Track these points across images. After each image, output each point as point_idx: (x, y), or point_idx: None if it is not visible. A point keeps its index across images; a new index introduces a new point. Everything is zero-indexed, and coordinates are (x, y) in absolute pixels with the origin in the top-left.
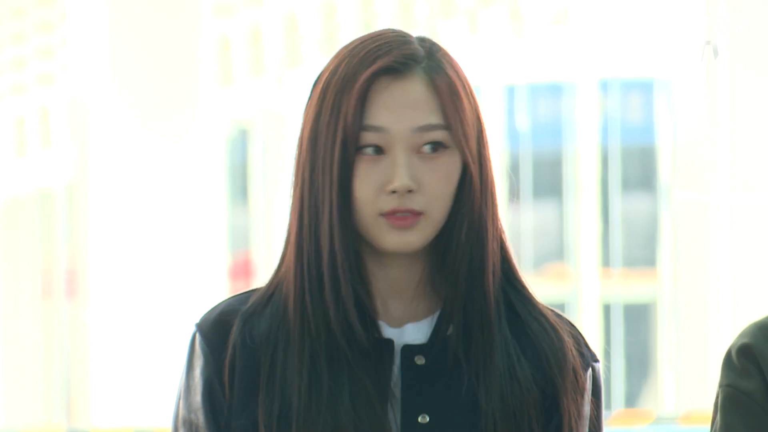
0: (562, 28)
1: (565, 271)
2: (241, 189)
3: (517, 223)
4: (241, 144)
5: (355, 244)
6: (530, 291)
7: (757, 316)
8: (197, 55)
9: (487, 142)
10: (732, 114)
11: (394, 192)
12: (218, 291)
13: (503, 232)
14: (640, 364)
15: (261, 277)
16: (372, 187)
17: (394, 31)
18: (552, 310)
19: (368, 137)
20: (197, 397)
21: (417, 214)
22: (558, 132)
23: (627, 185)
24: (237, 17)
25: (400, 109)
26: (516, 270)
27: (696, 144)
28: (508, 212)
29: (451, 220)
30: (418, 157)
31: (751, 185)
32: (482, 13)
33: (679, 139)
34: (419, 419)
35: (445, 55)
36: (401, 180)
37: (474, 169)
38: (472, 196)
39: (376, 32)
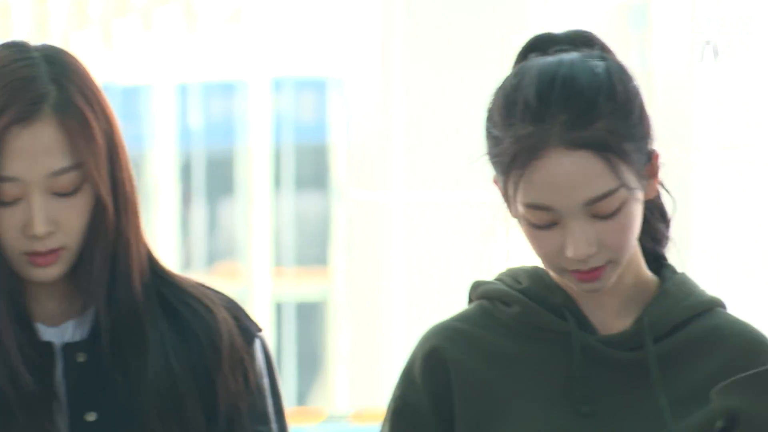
0: (235, 27)
1: (237, 270)
2: None
3: (189, 222)
4: None
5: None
6: (180, 279)
7: (430, 315)
8: None
9: (123, 162)
10: (406, 113)
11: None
12: None
13: (145, 235)
14: (312, 363)
15: None
16: (12, 231)
17: (15, 52)
18: (210, 289)
19: (4, 187)
20: None
21: (57, 251)
22: (231, 131)
23: (300, 184)
24: None
25: (33, 157)
26: (162, 265)
27: (370, 143)
28: (180, 211)
29: (88, 243)
30: (54, 196)
31: (424, 184)
32: (157, 11)
33: (353, 137)
34: (86, 418)
35: (72, 72)
36: (38, 227)
37: (107, 199)
38: (105, 224)
39: None
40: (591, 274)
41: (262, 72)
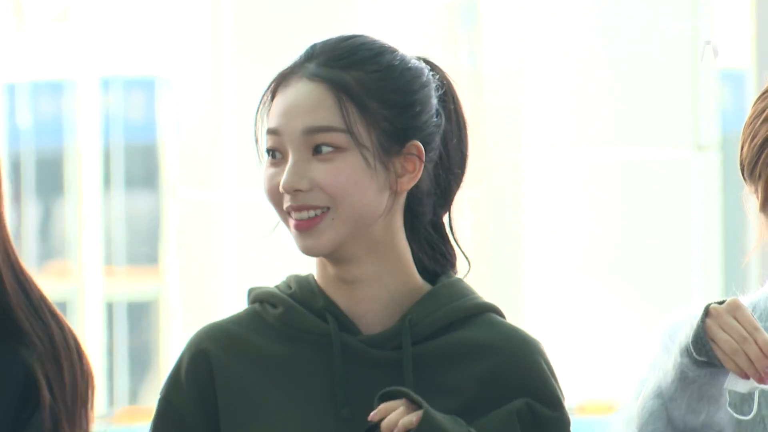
0: (63, 26)
1: (68, 269)
2: None
3: (20, 221)
4: None
5: None
6: None
7: None
8: None
9: None
10: (236, 111)
11: None
12: None
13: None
14: (144, 362)
15: None
16: None
17: None
18: None
19: None
20: None
21: None
22: (60, 130)
23: (130, 183)
24: None
25: None
26: None
27: (200, 141)
28: (11, 210)
29: None
30: None
31: (255, 183)
32: None
33: (184, 137)
34: None
35: None
36: None
37: None
38: None
39: None
40: (307, 223)
41: (90, 71)
